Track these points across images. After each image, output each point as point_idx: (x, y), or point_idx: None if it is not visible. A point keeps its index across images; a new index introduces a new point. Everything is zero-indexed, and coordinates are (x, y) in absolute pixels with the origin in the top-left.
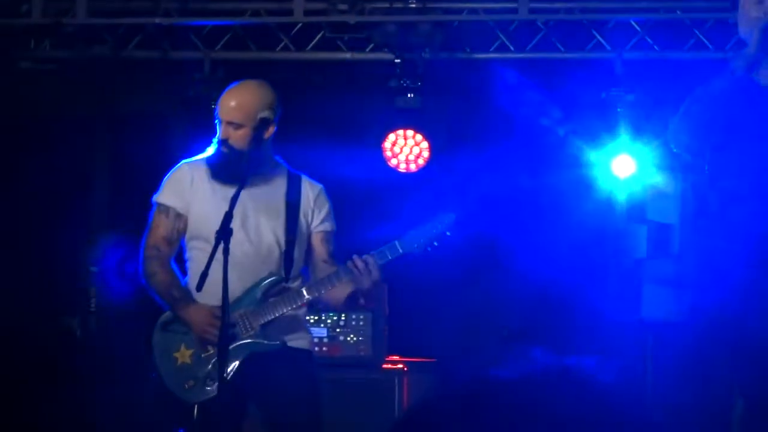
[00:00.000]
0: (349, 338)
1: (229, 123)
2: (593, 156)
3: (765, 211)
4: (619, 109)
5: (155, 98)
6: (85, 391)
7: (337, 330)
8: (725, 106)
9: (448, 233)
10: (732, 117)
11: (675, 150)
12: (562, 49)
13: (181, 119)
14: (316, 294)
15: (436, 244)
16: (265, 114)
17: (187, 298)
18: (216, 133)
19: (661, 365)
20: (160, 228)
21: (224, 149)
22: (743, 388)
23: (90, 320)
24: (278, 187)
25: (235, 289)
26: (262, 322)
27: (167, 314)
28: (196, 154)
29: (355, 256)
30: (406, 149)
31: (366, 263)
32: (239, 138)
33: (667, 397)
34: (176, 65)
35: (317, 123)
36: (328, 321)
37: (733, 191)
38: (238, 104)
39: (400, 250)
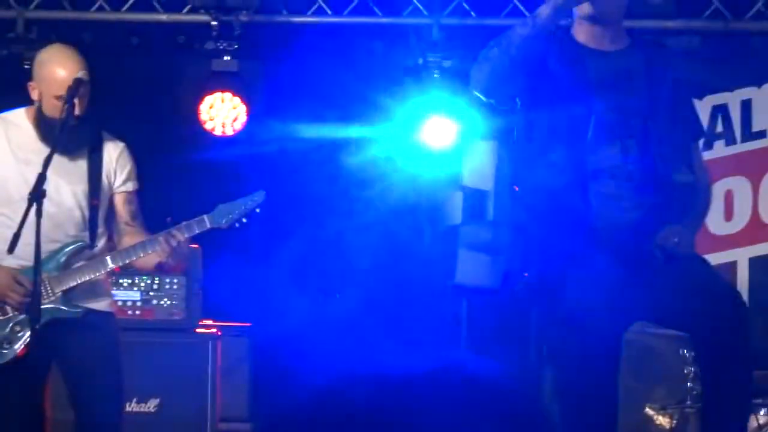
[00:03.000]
0: (162, 302)
1: (59, 97)
2: (407, 123)
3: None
4: (435, 75)
5: None
6: None
7: (151, 293)
8: (528, 52)
9: (257, 210)
10: (539, 66)
11: (478, 96)
12: (380, 13)
13: None
14: (120, 263)
15: (245, 220)
16: (80, 75)
17: None
18: (30, 94)
19: (476, 330)
20: None
21: (54, 119)
22: (553, 357)
23: None
24: (81, 147)
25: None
26: (64, 288)
27: None
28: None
29: (162, 234)
30: (223, 112)
31: (173, 238)
32: (58, 107)
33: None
34: None
35: (132, 85)
36: (142, 284)
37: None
38: (69, 75)
39: (209, 225)
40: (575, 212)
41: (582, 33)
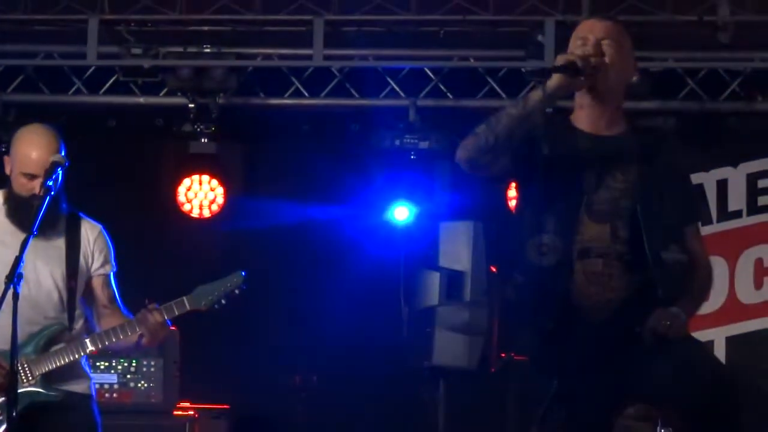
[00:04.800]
0: (140, 384)
1: (26, 174)
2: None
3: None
4: (412, 156)
5: None
6: None
7: (128, 376)
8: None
9: (237, 291)
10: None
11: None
12: (357, 95)
13: None
14: (100, 346)
15: (224, 302)
16: (57, 158)
17: None
18: (6, 170)
19: (453, 411)
20: None
21: (20, 196)
22: None
23: None
24: (58, 229)
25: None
26: (43, 371)
27: None
28: None
29: (138, 315)
30: (200, 194)
31: (152, 318)
32: (34, 186)
33: None
34: None
35: (110, 167)
36: (119, 367)
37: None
38: (39, 156)
39: (188, 306)
40: (562, 291)
41: (580, 118)
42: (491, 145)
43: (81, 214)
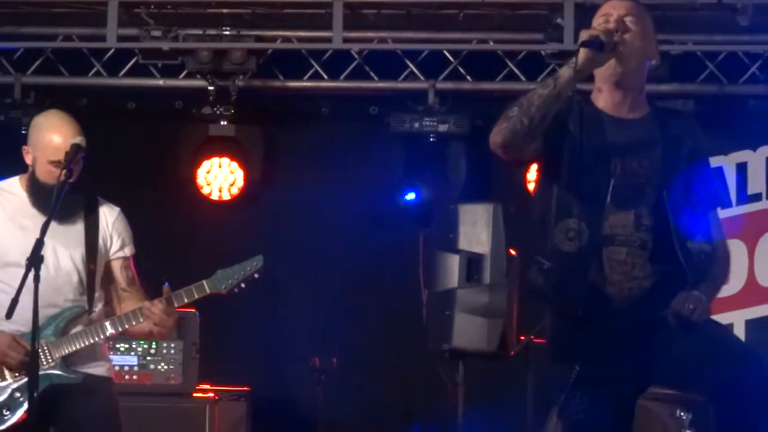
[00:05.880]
0: (159, 366)
1: (54, 162)
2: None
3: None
4: (432, 139)
5: None
6: None
7: (148, 358)
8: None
9: (256, 275)
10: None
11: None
12: (376, 78)
13: None
14: (120, 329)
15: (243, 286)
16: (77, 141)
17: None
18: (24, 158)
19: (472, 393)
20: None
21: (48, 185)
22: (563, 421)
23: None
24: (77, 212)
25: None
26: (63, 353)
27: None
28: (3, 178)
29: (157, 300)
30: (220, 177)
31: (155, 312)
32: (52, 172)
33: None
34: None
35: (129, 150)
36: (139, 349)
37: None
38: (66, 142)
39: (207, 290)
40: (590, 277)
41: (602, 100)
42: (526, 127)
43: (99, 198)
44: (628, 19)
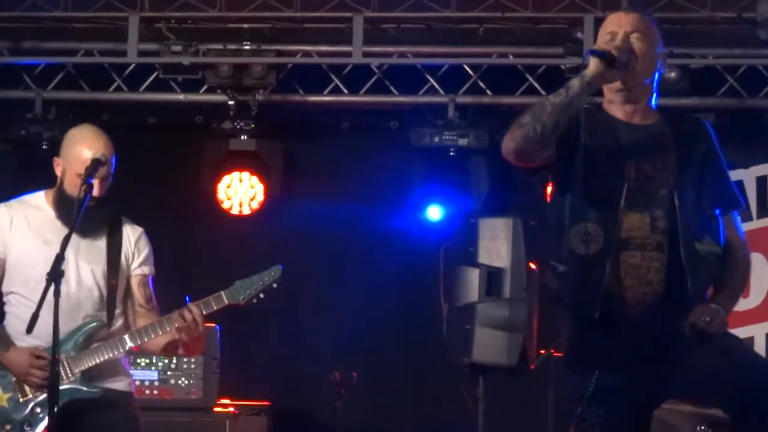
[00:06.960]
0: (180, 381)
1: (79, 175)
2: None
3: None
4: (452, 153)
5: None
6: None
7: (168, 373)
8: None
9: (275, 285)
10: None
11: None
12: (396, 92)
13: (11, 159)
14: (139, 342)
15: (262, 296)
16: (98, 156)
17: (5, 341)
18: (53, 174)
19: (492, 407)
20: None
21: (69, 194)
22: None
23: None
24: (100, 229)
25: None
26: (83, 368)
27: None
28: (25, 193)
29: (179, 311)
30: (240, 191)
31: (190, 315)
32: (78, 185)
33: None
34: (7, 104)
35: (150, 165)
36: (159, 364)
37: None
38: (93, 156)
39: (226, 301)
40: (605, 280)
41: (614, 109)
42: (539, 134)
43: (123, 217)
44: (634, 36)
